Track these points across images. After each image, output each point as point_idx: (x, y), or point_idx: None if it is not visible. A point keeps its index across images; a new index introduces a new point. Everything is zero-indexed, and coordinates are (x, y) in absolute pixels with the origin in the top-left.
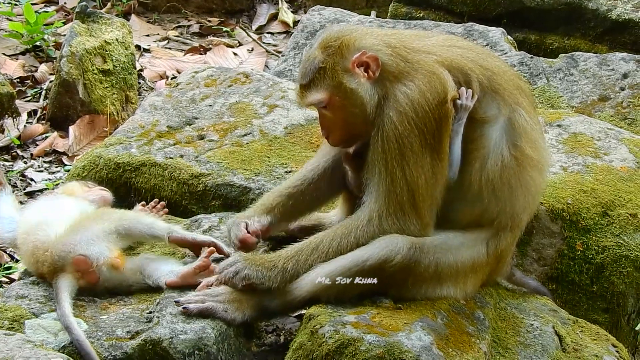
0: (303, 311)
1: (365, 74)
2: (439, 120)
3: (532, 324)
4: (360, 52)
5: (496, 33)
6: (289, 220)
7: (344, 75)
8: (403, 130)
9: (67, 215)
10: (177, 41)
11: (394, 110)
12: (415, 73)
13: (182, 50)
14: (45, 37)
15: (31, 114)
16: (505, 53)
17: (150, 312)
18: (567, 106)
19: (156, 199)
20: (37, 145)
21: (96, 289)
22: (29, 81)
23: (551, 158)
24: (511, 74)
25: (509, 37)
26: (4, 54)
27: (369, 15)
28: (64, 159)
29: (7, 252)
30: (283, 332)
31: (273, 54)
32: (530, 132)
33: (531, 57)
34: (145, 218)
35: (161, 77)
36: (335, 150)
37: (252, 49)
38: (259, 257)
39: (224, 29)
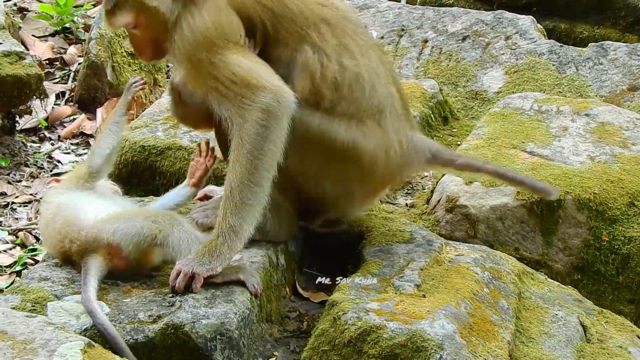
0: (326, 297)
1: None
2: (229, 41)
3: (556, 314)
4: None
5: (526, 21)
6: None
7: None
8: (188, 51)
9: (109, 204)
10: None
11: (179, 36)
12: (204, 3)
13: None
14: (75, 19)
15: (59, 95)
16: (535, 41)
17: (173, 296)
18: (596, 95)
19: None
20: (65, 127)
21: (123, 272)
22: (57, 63)
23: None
24: (311, 12)
25: (538, 25)
26: (33, 36)
27: (398, 1)
28: (91, 142)
29: (33, 234)
30: (306, 318)
31: None
32: (312, 64)
33: (560, 46)
34: (185, 234)
35: None
36: None
37: None
38: (201, 248)
39: None
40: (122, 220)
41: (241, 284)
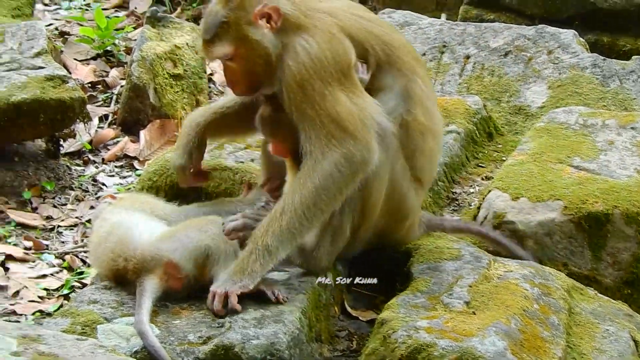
0: (375, 316)
1: (268, 25)
2: (342, 73)
3: (607, 329)
4: (262, 4)
5: (568, 35)
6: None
7: (247, 28)
8: (301, 77)
9: (162, 222)
10: None
11: (292, 60)
12: (315, 29)
13: None
14: (116, 41)
15: (102, 118)
16: (577, 55)
17: (222, 317)
18: None
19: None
20: (109, 149)
21: (177, 293)
22: (100, 86)
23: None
24: (410, 47)
25: (580, 39)
26: (75, 59)
27: (439, 17)
28: (135, 164)
29: (79, 257)
30: (356, 337)
31: None
32: (424, 100)
33: (604, 59)
34: (228, 247)
35: None
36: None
37: None
38: (234, 267)
39: None
40: (178, 238)
41: (261, 294)
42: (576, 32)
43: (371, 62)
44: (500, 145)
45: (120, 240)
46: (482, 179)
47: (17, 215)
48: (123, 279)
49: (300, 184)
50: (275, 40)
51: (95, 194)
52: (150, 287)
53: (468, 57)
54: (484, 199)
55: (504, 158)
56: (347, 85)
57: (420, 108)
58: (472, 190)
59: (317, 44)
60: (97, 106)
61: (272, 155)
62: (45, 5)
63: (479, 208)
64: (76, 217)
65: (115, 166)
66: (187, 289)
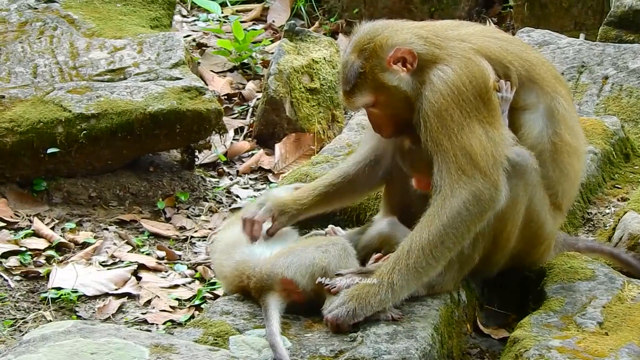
0: (507, 334)
1: (404, 68)
2: (481, 98)
3: None
4: (394, 49)
5: None
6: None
7: (384, 75)
8: (440, 106)
9: (283, 239)
10: None
11: (430, 91)
12: (450, 58)
13: None
14: (253, 54)
15: (238, 130)
16: None
17: (354, 331)
18: None
19: None
20: (243, 162)
21: (303, 306)
22: (236, 98)
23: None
24: (549, 65)
25: None
26: (212, 71)
27: (578, 37)
28: (270, 177)
29: (212, 268)
30: (487, 354)
31: None
32: (568, 119)
33: None
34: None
35: None
36: (376, 143)
37: None
38: (352, 290)
39: None
40: (295, 254)
41: (375, 319)
42: None
43: (513, 79)
44: (637, 167)
45: (242, 258)
46: (618, 200)
47: (150, 225)
48: (249, 295)
49: (429, 221)
50: (412, 81)
51: (229, 205)
52: (273, 302)
53: (606, 77)
54: (619, 220)
55: None
56: (485, 114)
57: (565, 128)
58: (607, 211)
59: (453, 71)
60: (232, 118)
61: (394, 193)
62: (184, 16)
63: (614, 229)
64: (209, 229)
65: (250, 178)
66: (310, 302)
